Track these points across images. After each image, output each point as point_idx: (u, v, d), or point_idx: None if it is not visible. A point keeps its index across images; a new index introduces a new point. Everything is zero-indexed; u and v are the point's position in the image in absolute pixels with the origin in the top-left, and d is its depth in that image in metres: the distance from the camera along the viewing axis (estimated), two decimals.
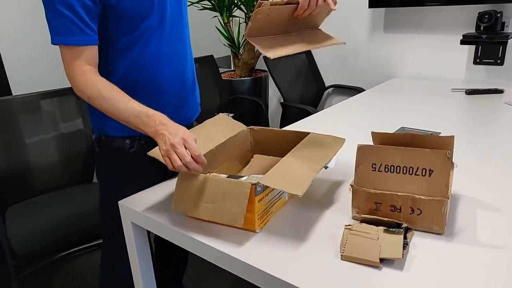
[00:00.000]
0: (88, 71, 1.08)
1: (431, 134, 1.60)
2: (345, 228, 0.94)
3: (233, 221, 0.93)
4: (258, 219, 0.99)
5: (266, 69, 2.79)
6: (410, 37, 2.63)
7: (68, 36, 1.03)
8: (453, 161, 1.11)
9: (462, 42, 2.21)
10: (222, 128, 1.30)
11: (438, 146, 1.09)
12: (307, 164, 1.04)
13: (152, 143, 1.08)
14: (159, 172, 1.25)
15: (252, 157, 1.32)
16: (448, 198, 0.92)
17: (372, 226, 0.93)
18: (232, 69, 3.31)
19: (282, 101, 2.75)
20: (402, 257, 0.84)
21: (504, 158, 1.35)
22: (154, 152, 1.08)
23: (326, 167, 1.07)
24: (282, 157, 1.16)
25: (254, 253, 0.92)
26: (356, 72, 2.92)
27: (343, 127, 1.74)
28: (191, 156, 0.99)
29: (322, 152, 1.11)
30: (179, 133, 1.00)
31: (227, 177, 1.04)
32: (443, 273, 0.83)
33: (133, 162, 1.27)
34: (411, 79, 2.64)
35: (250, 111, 2.91)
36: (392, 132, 1.64)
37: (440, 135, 1.63)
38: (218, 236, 1.00)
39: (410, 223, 0.97)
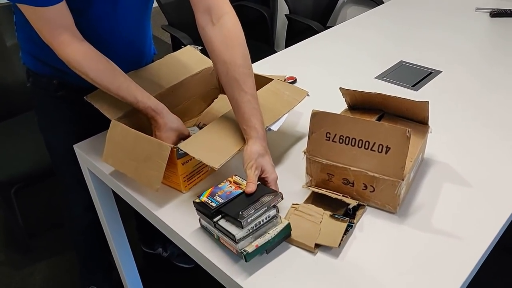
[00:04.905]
0: (68, 42, 0.92)
1: (430, 73, 1.43)
2: (291, 207, 0.87)
3: (150, 184, 0.88)
4: (185, 181, 0.94)
5: None
6: None
7: None
8: (429, 124, 0.98)
9: None
10: (184, 64, 1.19)
11: (411, 109, 0.96)
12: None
13: (84, 91, 1.01)
14: (98, 121, 1.06)
15: (217, 97, 1.22)
16: (403, 180, 0.81)
17: (319, 209, 0.85)
18: None
19: (288, 12, 2.50)
20: (339, 246, 0.78)
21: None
22: (93, 97, 1.01)
23: (268, 129, 0.96)
24: None
25: (173, 215, 0.90)
26: None
27: (339, 55, 1.57)
28: None
29: (273, 109, 0.99)
30: (162, 139, 0.95)
31: None
32: (378, 264, 0.77)
33: (63, 106, 1.15)
34: None
35: (254, 22, 2.67)
36: (389, 67, 1.48)
37: (439, 74, 1.46)
38: (147, 189, 0.97)
39: (363, 198, 0.88)
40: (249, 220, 0.74)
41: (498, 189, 0.93)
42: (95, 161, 1.08)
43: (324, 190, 0.90)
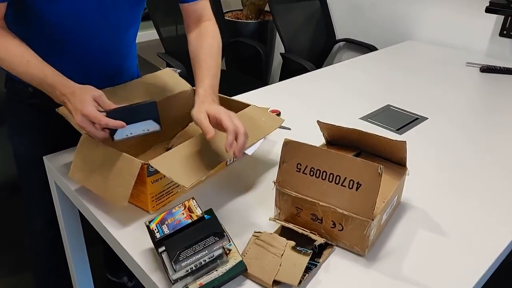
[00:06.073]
0: None
1: (416, 119, 1.42)
2: (252, 235, 0.82)
3: (117, 201, 0.85)
4: (153, 200, 0.89)
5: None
6: None
7: None
8: (407, 166, 0.94)
9: (488, 10, 1.90)
10: (162, 85, 1.16)
11: (389, 149, 0.93)
12: (219, 148, 0.91)
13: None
14: (70, 134, 1.02)
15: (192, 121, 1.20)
16: (373, 220, 0.77)
17: (282, 239, 0.80)
18: (241, 8, 3.06)
19: (284, 51, 2.52)
20: (299, 285, 0.72)
21: (496, 169, 1.17)
22: (63, 110, 0.97)
23: (243, 154, 0.94)
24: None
25: (132, 236, 0.85)
26: (372, 27, 2.63)
27: (328, 94, 1.56)
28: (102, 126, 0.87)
29: (248, 134, 0.97)
30: (78, 108, 0.87)
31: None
32: None
33: (37, 115, 1.12)
34: (427, 43, 2.35)
35: (250, 58, 2.70)
36: (375, 109, 1.47)
37: (425, 121, 1.45)
38: (111, 208, 0.92)
39: (331, 237, 0.84)
40: (183, 264, 0.70)
41: (473, 241, 0.88)
42: (63, 176, 1.03)
43: (291, 224, 0.85)
